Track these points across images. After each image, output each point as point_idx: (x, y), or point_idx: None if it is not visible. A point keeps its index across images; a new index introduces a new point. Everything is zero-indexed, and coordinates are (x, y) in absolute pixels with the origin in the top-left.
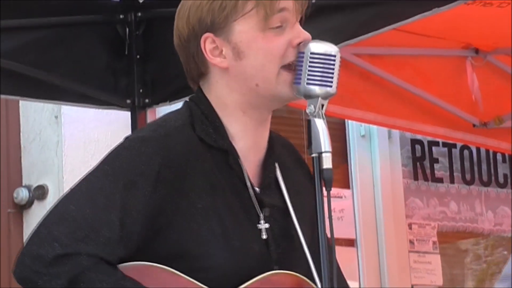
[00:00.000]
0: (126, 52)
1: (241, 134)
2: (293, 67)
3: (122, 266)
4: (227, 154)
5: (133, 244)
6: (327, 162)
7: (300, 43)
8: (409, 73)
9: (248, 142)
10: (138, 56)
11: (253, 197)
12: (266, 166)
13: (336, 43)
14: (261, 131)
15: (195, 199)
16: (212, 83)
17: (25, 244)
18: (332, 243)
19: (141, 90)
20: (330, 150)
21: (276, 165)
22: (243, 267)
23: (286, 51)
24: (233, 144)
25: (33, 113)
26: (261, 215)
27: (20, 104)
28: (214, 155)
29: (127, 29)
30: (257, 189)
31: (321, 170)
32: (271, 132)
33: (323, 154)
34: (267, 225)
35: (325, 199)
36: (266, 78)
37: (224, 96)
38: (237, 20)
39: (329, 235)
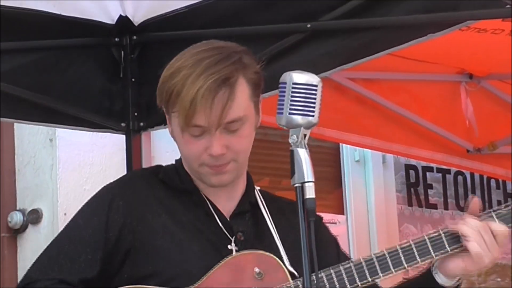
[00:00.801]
0: (121, 75)
1: (202, 186)
2: (211, 166)
3: None
4: (191, 194)
5: (98, 267)
6: (310, 192)
7: (212, 154)
8: (404, 98)
9: (214, 194)
10: (133, 79)
11: (220, 225)
12: (241, 201)
13: (331, 68)
14: (228, 192)
15: (153, 221)
16: None
17: None
18: (316, 272)
19: (136, 114)
20: (313, 180)
21: (258, 195)
22: (206, 270)
23: (201, 155)
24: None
25: (28, 136)
26: (232, 239)
27: (14, 127)
28: (175, 195)
29: (122, 52)
30: (227, 218)
31: (304, 200)
32: (251, 187)
33: (306, 184)
34: (236, 247)
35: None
36: (190, 168)
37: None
38: (171, 112)
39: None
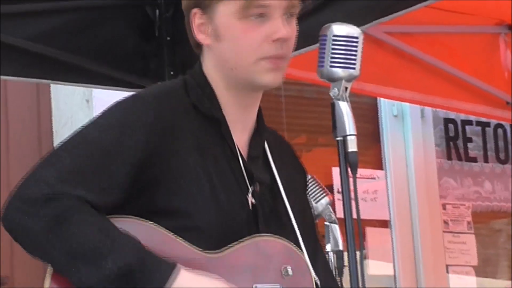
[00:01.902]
0: (156, 34)
1: (228, 109)
2: (272, 58)
3: (109, 217)
4: (219, 124)
5: (120, 193)
6: (352, 145)
7: (277, 39)
8: (442, 51)
9: (234, 118)
10: (168, 38)
11: (243, 168)
12: (252, 145)
13: (368, 22)
14: (247, 112)
15: (185, 157)
16: (204, 57)
17: (15, 188)
18: (359, 225)
19: (171, 73)
20: (355, 133)
21: (266, 145)
22: (229, 231)
23: (262, 45)
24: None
25: (64, 97)
26: (250, 189)
27: (51, 89)
28: (205, 123)
29: (157, 11)
30: (245, 159)
31: (346, 154)
32: (262, 122)
33: (348, 137)
34: (253, 201)
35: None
36: (241, 65)
37: (211, 70)
38: (221, 1)
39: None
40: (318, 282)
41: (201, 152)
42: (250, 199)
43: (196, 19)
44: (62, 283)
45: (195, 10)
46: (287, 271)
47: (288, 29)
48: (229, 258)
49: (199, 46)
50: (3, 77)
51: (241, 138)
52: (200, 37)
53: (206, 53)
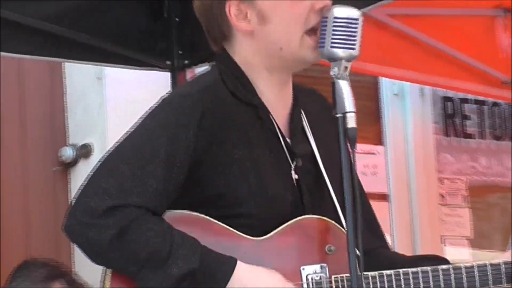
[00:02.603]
0: (165, 15)
1: (267, 91)
2: (316, 32)
3: (165, 216)
4: (257, 109)
5: (176, 193)
6: (352, 122)
7: (322, 8)
8: (442, 32)
9: (274, 98)
10: (176, 19)
11: (285, 148)
12: (293, 118)
13: (370, 4)
14: (285, 89)
15: (233, 149)
16: (236, 45)
17: (75, 198)
18: (355, 198)
19: (180, 52)
20: (354, 110)
21: (303, 115)
22: (276, 215)
23: (309, 15)
24: (262, 99)
25: (77, 75)
26: (293, 165)
27: (63, 67)
28: (245, 110)
29: None
30: (288, 140)
31: (346, 130)
32: (295, 85)
33: (348, 114)
34: (297, 176)
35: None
36: (290, 42)
37: (249, 57)
38: None
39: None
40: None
41: (245, 140)
42: (294, 176)
43: (233, 9)
44: (122, 283)
45: (230, 2)
46: (330, 249)
47: None
48: (276, 241)
49: (224, 38)
50: (18, 56)
51: (283, 114)
52: (242, 25)
53: (243, 41)
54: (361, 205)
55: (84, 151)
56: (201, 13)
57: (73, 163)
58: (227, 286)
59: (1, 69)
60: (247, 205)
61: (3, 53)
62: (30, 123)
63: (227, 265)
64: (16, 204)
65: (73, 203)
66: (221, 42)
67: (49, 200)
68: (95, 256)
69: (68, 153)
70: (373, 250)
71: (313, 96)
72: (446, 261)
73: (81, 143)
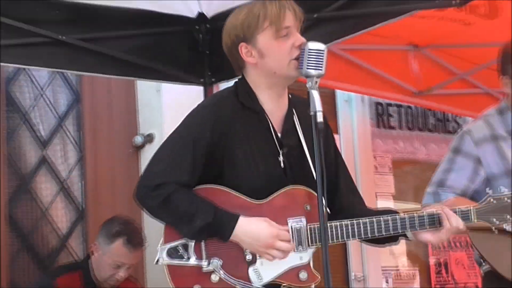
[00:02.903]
0: (200, 50)
1: (268, 101)
2: (298, 58)
3: (195, 189)
4: (258, 114)
5: (201, 171)
6: (320, 117)
7: (300, 44)
8: (374, 60)
9: (273, 106)
10: (207, 52)
11: (275, 141)
12: (287, 120)
13: (329, 41)
14: (281, 99)
15: (238, 142)
16: (248, 72)
17: (140, 177)
18: (322, 167)
19: (209, 73)
20: (322, 110)
21: (296, 117)
22: (267, 185)
23: (291, 50)
24: (263, 107)
25: (144, 88)
26: (280, 152)
27: (136, 83)
28: (249, 115)
29: (200, 35)
30: (279, 135)
31: (316, 123)
32: (294, 96)
33: (317, 112)
34: (283, 159)
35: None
36: (281, 68)
37: (255, 79)
38: (259, 34)
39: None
40: (329, 211)
41: (247, 137)
42: (281, 159)
43: (243, 49)
44: (171, 231)
45: (241, 44)
46: (307, 208)
47: (302, 38)
48: (270, 203)
49: (241, 67)
50: (107, 76)
51: (279, 116)
52: (249, 59)
53: (251, 69)
54: (343, 175)
55: (149, 138)
56: (226, 51)
57: (141, 146)
58: (232, 233)
59: (97, 85)
60: (246, 178)
61: (102, 75)
62: (115, 119)
63: (232, 220)
64: (107, 174)
65: (139, 180)
66: (241, 70)
67: (127, 172)
68: (152, 215)
69: (138, 139)
70: (352, 205)
71: (305, 104)
72: (396, 212)
73: (147, 133)
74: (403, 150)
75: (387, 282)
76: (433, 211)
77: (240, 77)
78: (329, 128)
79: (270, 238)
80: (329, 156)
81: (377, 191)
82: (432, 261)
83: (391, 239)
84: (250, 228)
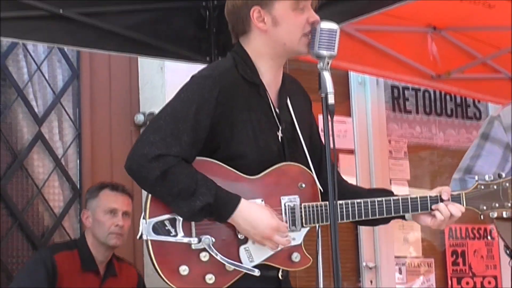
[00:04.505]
0: (206, 27)
1: (267, 73)
2: (308, 35)
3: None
4: (258, 87)
5: (201, 145)
6: (331, 99)
7: (314, 21)
8: (391, 42)
9: (271, 78)
10: (214, 30)
11: (275, 115)
12: (281, 94)
13: (343, 21)
14: (278, 72)
15: (239, 114)
16: (252, 39)
17: (135, 144)
18: (334, 152)
19: (215, 51)
20: (333, 91)
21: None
22: (265, 159)
23: (305, 25)
24: (262, 79)
25: (146, 66)
26: (280, 127)
27: (138, 60)
28: (249, 87)
29: (207, 12)
30: (277, 109)
31: (327, 105)
32: (284, 73)
33: (329, 94)
34: (281, 134)
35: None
36: (292, 40)
37: (260, 48)
38: (278, 0)
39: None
40: (322, 190)
41: (248, 109)
42: (280, 134)
43: (255, 13)
44: (157, 204)
45: (255, 7)
46: (301, 186)
47: (316, 16)
48: (264, 179)
49: (244, 32)
50: (108, 52)
51: (275, 91)
52: (260, 25)
53: (257, 36)
54: (324, 154)
55: (151, 117)
56: (231, 11)
57: (143, 125)
58: (232, 215)
59: (96, 61)
60: (245, 150)
61: (102, 51)
62: (116, 97)
63: (234, 201)
64: (105, 152)
65: (132, 149)
66: (240, 36)
67: (126, 151)
68: (145, 187)
69: (140, 118)
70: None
71: (294, 82)
72: (391, 192)
73: (148, 111)
74: (419, 135)
75: (400, 272)
76: (427, 196)
77: (235, 46)
78: (312, 107)
79: (269, 230)
80: (313, 138)
81: (392, 176)
82: (448, 250)
83: (384, 220)
84: (250, 216)
